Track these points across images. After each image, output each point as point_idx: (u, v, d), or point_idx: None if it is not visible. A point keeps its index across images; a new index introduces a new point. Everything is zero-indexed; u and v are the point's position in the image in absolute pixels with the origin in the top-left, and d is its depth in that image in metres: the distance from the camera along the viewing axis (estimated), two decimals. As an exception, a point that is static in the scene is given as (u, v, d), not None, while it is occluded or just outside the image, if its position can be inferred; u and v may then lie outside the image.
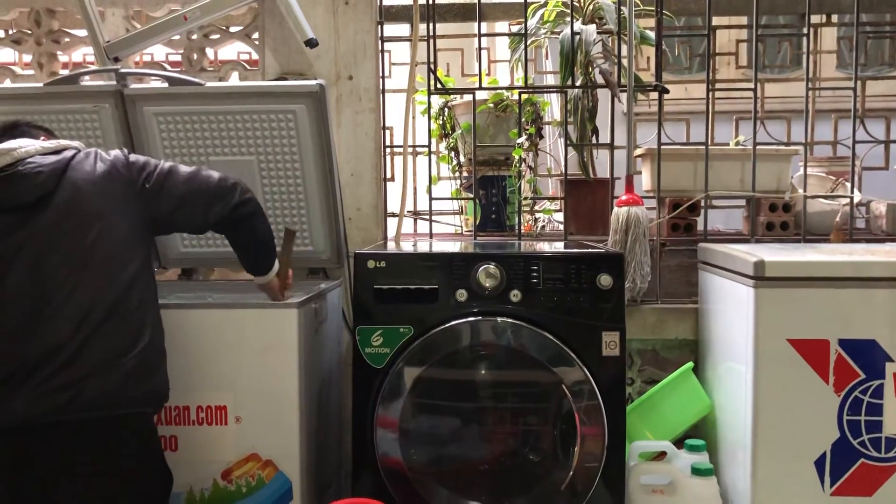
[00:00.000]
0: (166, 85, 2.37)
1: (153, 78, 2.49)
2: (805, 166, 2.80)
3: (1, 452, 1.66)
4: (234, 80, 2.87)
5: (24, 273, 1.69)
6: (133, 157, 1.89)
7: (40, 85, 2.42)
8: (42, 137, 1.89)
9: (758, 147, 2.74)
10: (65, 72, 2.90)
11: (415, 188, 3.14)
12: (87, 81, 2.44)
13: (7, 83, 2.90)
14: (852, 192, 2.78)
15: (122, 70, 2.39)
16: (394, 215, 2.85)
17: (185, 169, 1.91)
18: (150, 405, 1.81)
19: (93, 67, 2.64)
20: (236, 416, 2.08)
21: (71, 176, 1.77)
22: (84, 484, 1.68)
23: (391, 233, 2.83)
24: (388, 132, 2.91)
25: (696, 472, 2.23)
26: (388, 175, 2.97)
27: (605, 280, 2.09)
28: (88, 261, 1.73)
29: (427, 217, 2.96)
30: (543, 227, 3.17)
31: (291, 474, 2.08)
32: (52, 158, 1.78)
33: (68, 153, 1.81)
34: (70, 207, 1.74)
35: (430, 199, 2.86)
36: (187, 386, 2.03)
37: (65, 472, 1.67)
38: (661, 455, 2.32)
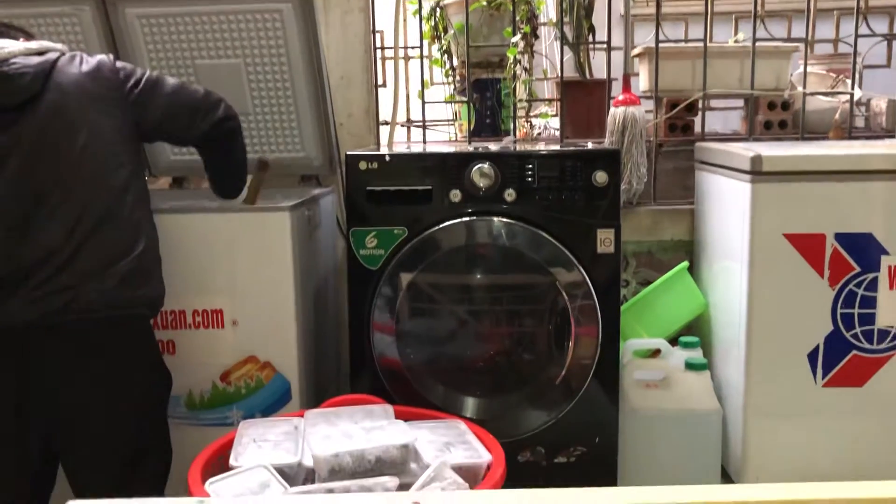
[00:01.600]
0: (147, -16, 2.29)
1: (134, -22, 2.41)
2: (805, 63, 2.74)
3: (6, 352, 1.67)
4: (217, -18, 2.77)
5: (14, 178, 1.67)
6: (120, 63, 1.86)
7: (15, -14, 2.34)
8: (21, 39, 1.83)
9: (757, 44, 2.68)
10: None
11: (407, 94, 3.08)
12: (64, -17, 2.35)
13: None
14: (853, 89, 2.73)
15: (101, -31, 2.31)
16: (386, 123, 2.80)
17: (171, 80, 1.90)
18: (147, 308, 1.81)
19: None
20: (233, 319, 2.09)
21: (57, 78, 1.72)
22: (86, 384, 1.70)
23: (384, 140, 2.78)
24: (378, 35, 2.83)
25: (690, 366, 2.26)
26: (380, 81, 2.90)
27: (601, 177, 2.07)
28: (79, 165, 1.70)
29: (420, 124, 2.91)
30: (540, 133, 3.12)
31: (290, 375, 2.10)
32: (37, 59, 1.73)
33: (52, 55, 1.76)
34: (58, 110, 1.70)
35: (423, 102, 2.80)
36: (183, 290, 2.03)
37: (66, 372, 1.68)
38: (655, 353, 2.35)
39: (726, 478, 2.26)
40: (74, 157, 1.69)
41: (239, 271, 2.08)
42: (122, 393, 1.73)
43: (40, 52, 1.76)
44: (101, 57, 1.83)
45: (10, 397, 1.69)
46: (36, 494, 1.76)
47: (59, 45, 1.83)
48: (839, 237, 2.08)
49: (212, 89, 1.98)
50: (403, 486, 1.48)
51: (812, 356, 2.12)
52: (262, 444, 1.66)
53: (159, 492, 1.79)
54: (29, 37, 1.89)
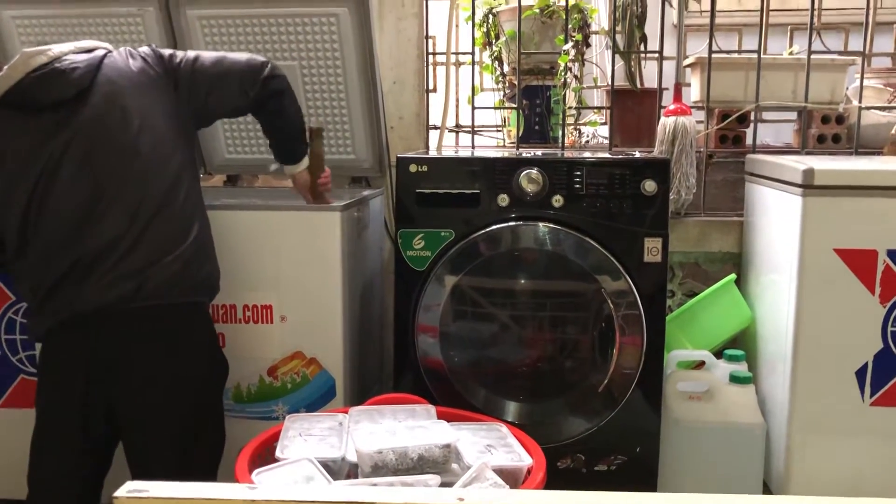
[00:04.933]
0: (210, -13, 2.36)
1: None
2: (861, 77, 2.70)
3: (76, 338, 1.73)
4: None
5: (75, 168, 1.73)
6: (161, 50, 1.91)
7: (84, -14, 2.42)
8: None
9: (812, 56, 2.64)
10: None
11: (457, 100, 3.10)
12: (131, -16, 2.43)
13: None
14: (910, 105, 2.68)
15: (166, -28, 2.38)
16: (436, 128, 2.83)
17: (211, 53, 1.93)
18: (207, 294, 1.87)
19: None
20: (281, 315, 2.13)
21: (106, 73, 1.79)
22: (146, 369, 1.75)
23: (433, 144, 2.81)
24: (430, 41, 2.86)
25: (735, 379, 2.24)
26: (431, 86, 2.94)
27: (650, 186, 2.07)
28: (135, 154, 1.75)
29: (469, 130, 2.93)
30: (588, 141, 3.12)
31: (335, 372, 2.14)
32: (86, 56, 1.81)
33: (100, 52, 1.84)
34: (109, 103, 1.76)
35: (473, 107, 2.83)
36: (234, 285, 2.07)
37: (129, 358, 1.74)
38: (699, 365, 2.33)
39: (768, 494, 2.24)
40: (129, 145, 1.75)
41: (289, 269, 2.12)
42: (181, 379, 1.78)
43: (89, 50, 1.83)
44: (145, 49, 1.89)
45: (78, 383, 1.74)
46: (93, 476, 1.82)
47: (106, 44, 1.90)
48: (892, 254, 2.05)
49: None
50: (445, 486, 1.49)
51: (860, 374, 2.09)
52: (307, 438, 1.70)
53: (211, 479, 1.83)
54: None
